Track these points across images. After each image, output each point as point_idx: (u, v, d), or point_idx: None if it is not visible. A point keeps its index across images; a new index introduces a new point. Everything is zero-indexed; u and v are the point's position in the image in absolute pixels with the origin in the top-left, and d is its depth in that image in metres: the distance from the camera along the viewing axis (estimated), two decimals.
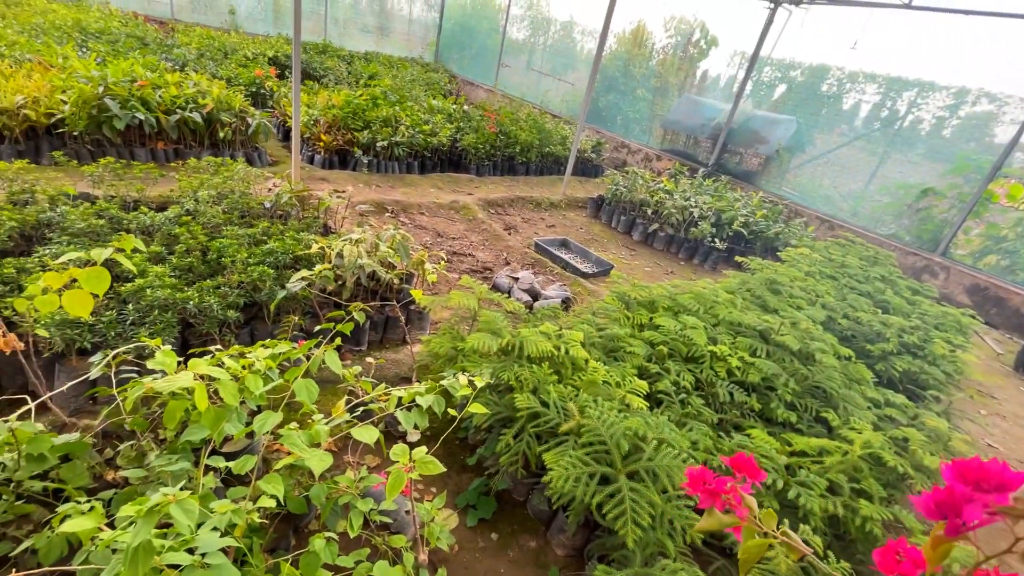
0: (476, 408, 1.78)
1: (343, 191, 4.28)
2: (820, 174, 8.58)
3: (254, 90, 7.76)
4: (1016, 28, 6.41)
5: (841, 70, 8.34)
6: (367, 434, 1.70)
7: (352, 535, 1.53)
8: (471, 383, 1.83)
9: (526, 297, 4.41)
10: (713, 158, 9.59)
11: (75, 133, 4.78)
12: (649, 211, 6.87)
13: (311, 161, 6.46)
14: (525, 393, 2.24)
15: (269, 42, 11.02)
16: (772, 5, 8.49)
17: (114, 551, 1.14)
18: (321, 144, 6.40)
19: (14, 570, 1.28)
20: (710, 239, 6.40)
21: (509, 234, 5.97)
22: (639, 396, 2.39)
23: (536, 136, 8.65)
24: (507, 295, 4.49)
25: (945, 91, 7.33)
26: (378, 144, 6.61)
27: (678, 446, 2.00)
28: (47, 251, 2.82)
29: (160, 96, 5.25)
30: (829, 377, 2.89)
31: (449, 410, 1.80)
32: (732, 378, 2.87)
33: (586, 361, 2.60)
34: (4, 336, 1.80)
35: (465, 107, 9.23)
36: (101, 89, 4.84)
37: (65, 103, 4.76)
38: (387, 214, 5.51)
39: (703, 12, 9.91)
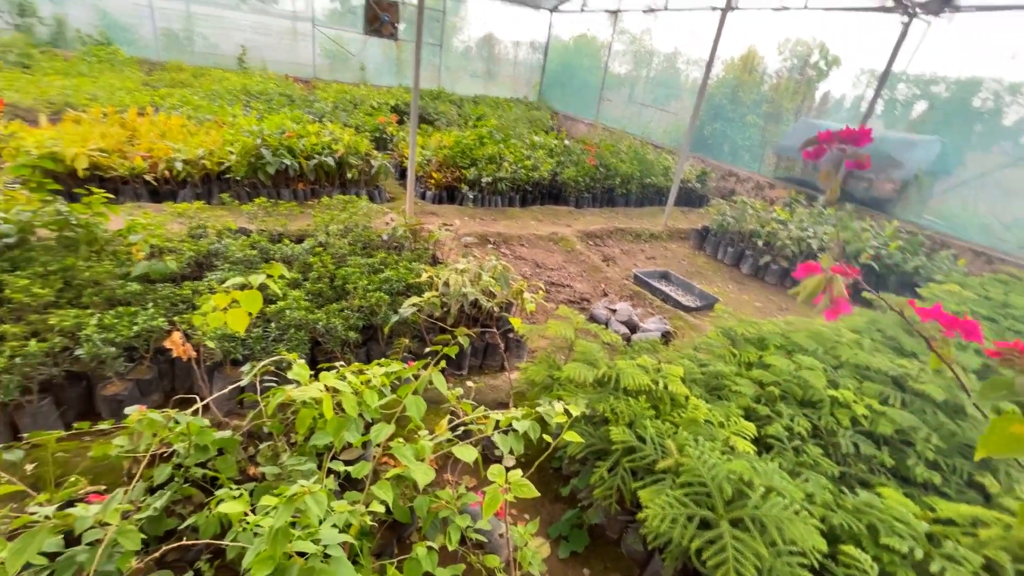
0: (571, 436, 1.80)
1: (451, 224, 4.59)
2: (974, 200, 7.47)
3: (377, 135, 8.67)
4: None
5: (998, 82, 7.30)
6: (467, 453, 1.80)
7: (450, 549, 1.61)
8: (566, 411, 1.86)
9: (624, 329, 4.34)
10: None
11: (237, 178, 5.70)
12: (760, 243, 6.46)
13: (423, 197, 7.02)
14: (621, 426, 2.21)
15: (392, 92, 12.29)
16: (906, 18, 7.74)
17: (256, 534, 1.33)
18: (432, 181, 6.94)
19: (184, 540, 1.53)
20: None
21: (607, 265, 5.94)
22: (745, 439, 2.24)
23: (637, 167, 8.60)
24: (604, 327, 4.46)
25: None
26: (483, 180, 7.01)
27: (790, 496, 1.84)
28: (214, 276, 3.38)
29: (302, 144, 6.08)
30: None
31: (545, 436, 1.84)
32: (857, 427, 2.58)
33: (686, 398, 2.50)
34: (184, 345, 2.19)
35: (566, 142, 9.48)
36: (259, 141, 5.74)
37: (232, 153, 5.71)
38: (489, 245, 5.79)
39: (823, 32, 9.31)
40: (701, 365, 2.90)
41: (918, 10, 7.58)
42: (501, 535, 2.17)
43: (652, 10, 12.02)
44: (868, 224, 6.81)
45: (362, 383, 1.97)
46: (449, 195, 7.09)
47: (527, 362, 3.19)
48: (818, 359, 2.98)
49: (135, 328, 2.73)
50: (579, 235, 6.62)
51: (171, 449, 1.83)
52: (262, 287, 2.15)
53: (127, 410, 1.73)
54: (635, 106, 13.21)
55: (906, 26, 7.79)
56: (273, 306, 3.09)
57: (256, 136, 5.78)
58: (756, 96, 10.56)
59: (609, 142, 10.09)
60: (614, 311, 4.60)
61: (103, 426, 1.89)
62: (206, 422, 1.77)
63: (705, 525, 1.82)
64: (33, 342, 2.51)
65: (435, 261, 4.57)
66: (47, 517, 1.37)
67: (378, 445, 1.73)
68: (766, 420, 2.54)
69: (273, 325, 3.02)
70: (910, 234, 6.58)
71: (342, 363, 2.18)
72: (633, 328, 4.41)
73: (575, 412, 1.83)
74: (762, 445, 2.47)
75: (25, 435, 1.81)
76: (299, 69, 13.47)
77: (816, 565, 1.85)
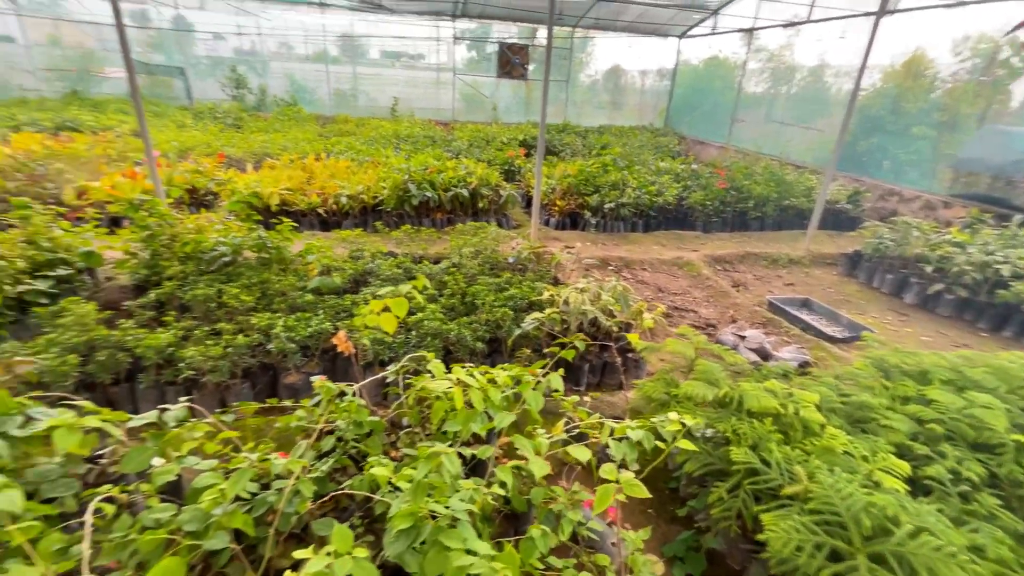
0: (685, 444, 1.80)
1: (572, 247, 4.77)
2: None
3: (506, 168, 9.30)
4: None
5: None
6: (581, 452, 1.90)
7: (562, 538, 1.71)
8: (681, 421, 1.86)
9: (754, 357, 4.08)
10: None
11: (388, 209, 6.55)
12: (930, 268, 5.60)
13: (547, 223, 7.33)
14: (743, 447, 2.12)
15: (520, 128, 13.09)
16: None
17: (398, 491, 1.58)
18: (556, 208, 7.24)
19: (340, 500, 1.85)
20: None
21: (737, 291, 5.62)
22: (895, 476, 2.00)
23: (773, 188, 8.04)
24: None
25: None
26: (606, 206, 7.12)
27: (947, 540, 1.61)
28: (368, 290, 3.95)
29: (441, 178, 6.80)
30: None
31: (658, 444, 1.87)
32: None
33: (822, 426, 2.31)
34: (346, 342, 2.62)
35: (693, 166, 9.21)
36: (406, 177, 6.56)
37: (384, 188, 6.59)
38: (610, 268, 5.84)
39: (1014, 22, 7.91)
40: (842, 395, 2.64)
41: None
42: (614, 544, 2.20)
43: (793, 24, 11.30)
44: None
45: (488, 382, 2.19)
46: (572, 221, 7.31)
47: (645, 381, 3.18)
48: (999, 398, 2.53)
49: (309, 329, 3.31)
50: (706, 260, 6.37)
51: (334, 425, 2.21)
52: (408, 297, 2.51)
53: (313, 379, 2.15)
54: (772, 125, 12.37)
55: None
56: (413, 317, 3.52)
57: (404, 173, 6.60)
58: (925, 104, 9.27)
59: (742, 164, 9.58)
60: (743, 337, 4.34)
61: (287, 403, 2.35)
62: (362, 401, 2.12)
63: (836, 558, 1.67)
64: (240, 336, 3.19)
65: (556, 282, 4.77)
66: (251, 463, 1.77)
67: (499, 434, 1.91)
68: (924, 461, 2.24)
69: (413, 333, 3.44)
70: None
71: (468, 364, 2.43)
72: (765, 356, 4.12)
73: (689, 422, 1.84)
74: (918, 488, 2.17)
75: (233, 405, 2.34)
76: (440, 114, 15.01)
77: None
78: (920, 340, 4.81)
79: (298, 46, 14.34)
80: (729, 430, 2.23)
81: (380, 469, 1.66)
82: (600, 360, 3.70)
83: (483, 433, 2.07)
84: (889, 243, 6.00)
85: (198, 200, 6.27)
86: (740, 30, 12.93)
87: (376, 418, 2.37)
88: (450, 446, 2.24)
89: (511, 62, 14.34)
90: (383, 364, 3.33)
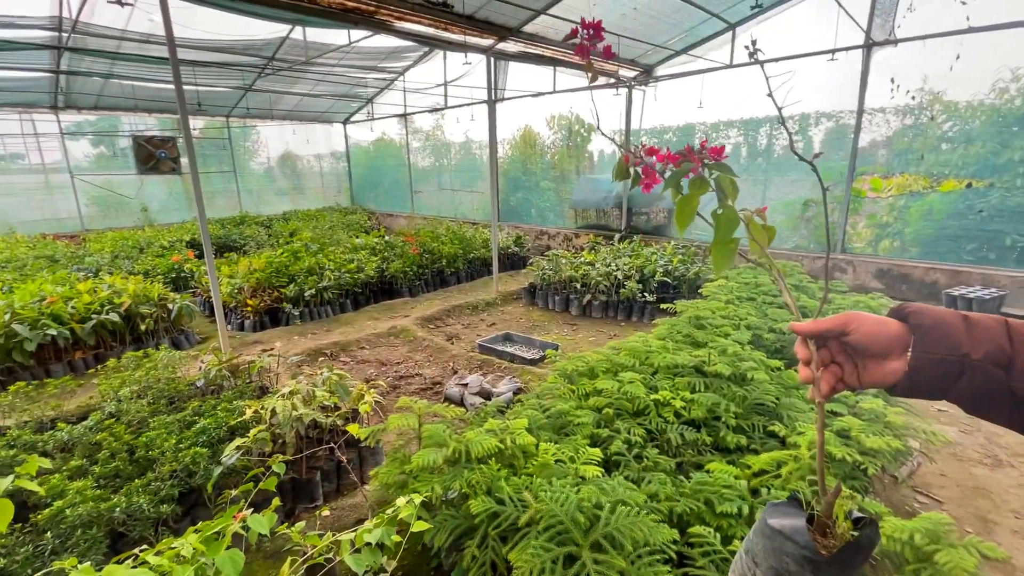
0: (419, 525, 1.74)
1: (271, 348, 4.28)
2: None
3: (175, 275, 7.85)
4: (818, 63, 7.74)
5: (703, 124, 9.58)
6: None
7: None
8: (411, 503, 1.80)
9: (479, 400, 4.40)
10: (623, 222, 10.40)
11: None
12: (579, 285, 7.23)
13: (241, 328, 6.44)
14: (480, 496, 2.20)
15: (185, 227, 11.37)
16: (627, 89, 9.83)
17: None
18: (249, 308, 6.45)
19: None
20: (640, 295, 6.75)
21: (452, 343, 6.05)
22: (594, 464, 2.40)
23: (459, 246, 9.12)
24: (461, 404, 4.47)
25: (790, 120, 8.53)
26: (306, 294, 6.73)
27: (633, 503, 2.00)
28: None
29: (72, 307, 5.22)
30: (765, 392, 3.03)
31: (394, 537, 1.75)
32: (680, 419, 2.95)
33: (536, 445, 2.61)
34: None
35: (387, 237, 9.68)
36: (8, 316, 4.77)
37: None
38: (323, 358, 5.49)
39: (576, 106, 11.25)
40: (544, 410, 3.07)
41: (633, 83, 9.69)
42: None
43: (436, 109, 13.33)
44: (655, 248, 8.13)
45: (173, 560, 1.67)
46: (272, 318, 6.63)
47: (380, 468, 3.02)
48: (637, 372, 3.37)
49: None
50: (419, 322, 6.67)
51: None
52: (16, 495, 1.75)
53: None
54: (446, 192, 14.19)
55: (629, 94, 9.88)
56: (47, 511, 2.48)
57: (3, 312, 4.80)
58: (543, 164, 12.17)
59: (428, 229, 10.59)
60: (466, 385, 4.65)
61: None
62: None
63: (573, 560, 1.87)
64: None
65: (263, 392, 4.17)
66: None
67: None
68: (608, 440, 2.77)
69: (49, 534, 2.41)
70: (685, 248, 8.01)
71: (146, 546, 1.82)
72: (487, 396, 4.50)
73: (419, 500, 1.79)
74: (611, 464, 2.67)
75: None
76: (61, 225, 11.79)
77: (674, 556, 2.02)
78: (588, 340, 6.11)
79: None
80: (464, 484, 2.28)
81: None
82: (333, 462, 3.36)
83: None
84: (549, 272, 7.51)
85: None
86: (395, 115, 14.52)
87: None
88: None
89: (155, 156, 12.42)
90: None
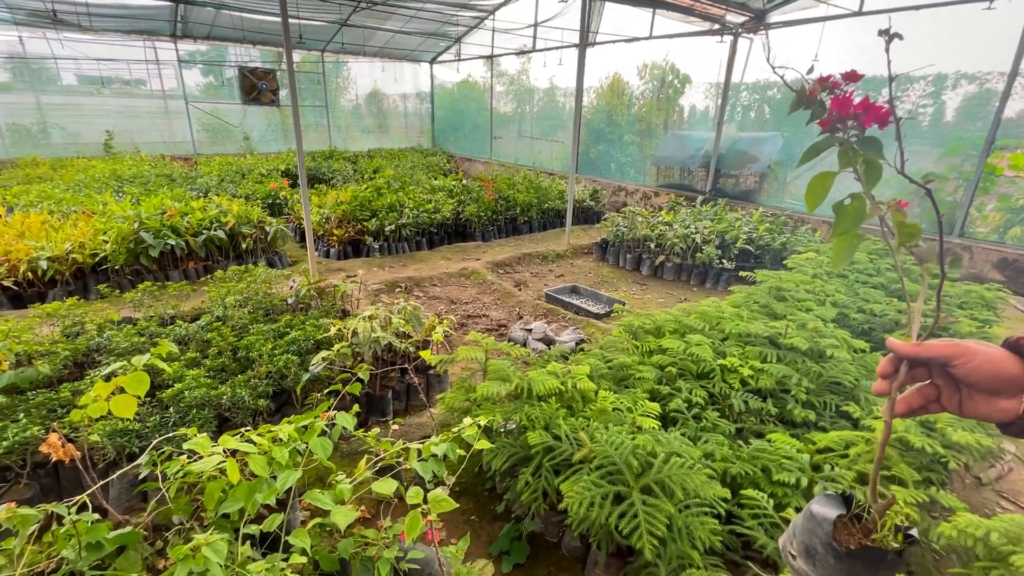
0: (482, 444, 1.88)
1: (354, 275, 4.59)
2: None
3: (271, 201, 8.48)
4: (970, 12, 6.64)
5: (810, 82, 8.63)
6: (385, 486, 1.82)
7: None
8: (476, 424, 1.94)
9: (541, 346, 4.52)
10: (709, 184, 9.82)
11: (116, 267, 5.32)
12: (653, 245, 7.03)
13: (327, 255, 6.92)
14: (537, 430, 2.32)
15: (281, 157, 12.10)
16: (732, 37, 9.00)
17: None
18: (334, 238, 6.89)
19: None
20: (717, 261, 6.47)
21: (519, 290, 6.17)
22: (651, 417, 2.44)
23: (534, 195, 9.08)
24: (524, 346, 4.62)
25: (922, 80, 7.49)
26: (386, 229, 7.06)
27: (688, 457, 2.04)
28: (97, 373, 3.13)
29: (187, 221, 5.83)
30: (844, 371, 2.88)
31: (458, 451, 1.91)
32: (746, 387, 2.89)
33: (596, 392, 2.68)
34: (64, 447, 2.02)
35: (464, 181, 9.81)
36: (136, 225, 5.43)
37: (106, 242, 5.34)
38: (399, 290, 5.81)
39: (671, 54, 10.51)
40: (607, 361, 3.11)
41: (740, 30, 8.85)
42: (442, 565, 2.17)
43: (523, 52, 12.96)
44: (740, 214, 7.66)
45: (272, 441, 1.94)
46: (355, 249, 7.05)
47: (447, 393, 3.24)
48: (706, 336, 3.30)
49: (3, 444, 2.46)
50: (489, 266, 6.83)
51: (58, 560, 1.67)
52: (153, 371, 2.08)
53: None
54: (525, 140, 13.99)
55: (734, 42, 9.05)
56: (170, 390, 2.92)
57: (133, 220, 5.46)
58: (629, 116, 11.62)
59: (505, 176, 10.59)
60: (530, 331, 4.78)
61: None
62: (96, 516, 1.65)
63: (621, 499, 1.95)
64: None
65: (345, 315, 4.52)
66: None
67: (289, 496, 1.70)
68: (668, 397, 2.78)
69: (172, 410, 2.85)
70: (774, 216, 7.48)
71: (248, 428, 2.11)
72: (550, 343, 4.60)
73: (483, 422, 1.92)
74: (668, 420, 2.69)
75: None
76: (177, 147, 12.94)
77: (724, 513, 2.05)
78: (656, 302, 5.99)
79: None
80: (524, 418, 2.41)
81: None
82: (403, 384, 3.64)
83: (274, 501, 1.82)
84: (623, 229, 7.34)
85: None
86: (482, 56, 14.29)
87: (127, 529, 1.89)
88: (236, 530, 1.92)
89: (257, 87, 13.16)
90: (134, 458, 2.68)
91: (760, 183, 9.33)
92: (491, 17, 12.19)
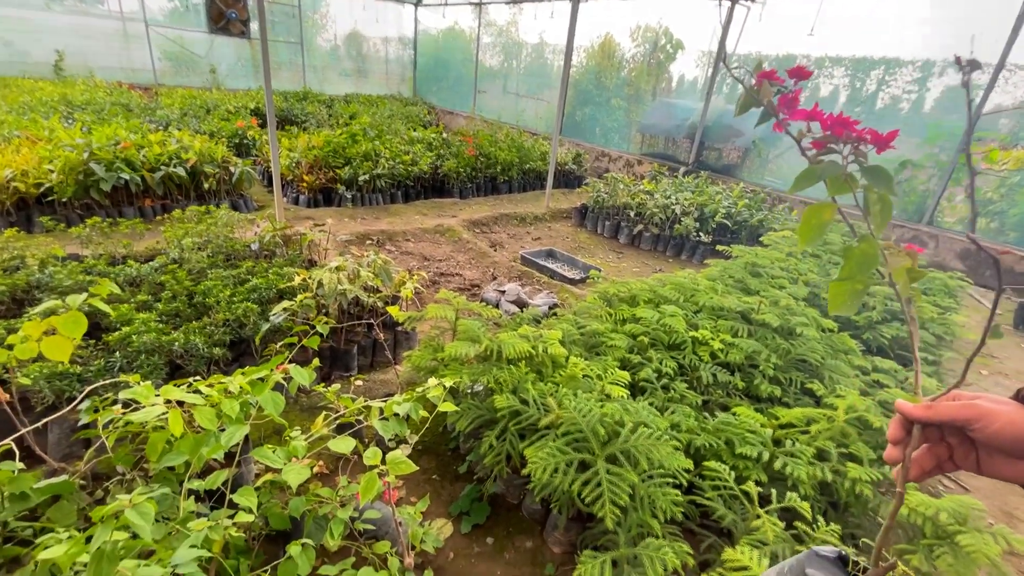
0: (446, 407, 1.81)
1: (323, 224, 4.38)
2: (800, 160, 8.65)
3: (237, 141, 7.99)
4: None
5: (807, 57, 8.51)
6: (343, 444, 1.74)
7: (332, 544, 1.55)
8: (441, 385, 1.87)
9: (514, 308, 4.45)
10: (692, 156, 9.73)
11: (64, 200, 4.94)
12: (632, 213, 6.95)
13: (296, 202, 6.61)
14: (505, 394, 2.27)
15: (250, 95, 11.38)
16: (730, 2, 8.72)
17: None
18: (304, 184, 6.56)
19: None
20: (695, 234, 6.45)
21: (495, 251, 6.05)
22: (620, 386, 2.41)
23: (515, 155, 8.82)
24: (496, 308, 4.54)
25: (911, 65, 7.46)
26: (360, 178, 6.76)
27: (655, 427, 2.02)
28: (35, 311, 2.90)
29: (144, 155, 5.43)
30: (811, 349, 2.90)
31: (421, 412, 1.84)
32: (716, 360, 2.89)
33: (566, 358, 2.63)
34: None
35: (444, 135, 9.44)
36: (86, 155, 5.02)
37: (52, 172, 4.93)
38: (370, 243, 5.61)
39: (666, 18, 10.17)
40: (580, 327, 3.06)
41: None
42: (399, 524, 2.14)
43: (515, 2, 12.34)
44: (720, 188, 7.63)
45: (223, 393, 1.82)
46: (326, 198, 6.75)
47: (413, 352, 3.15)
48: (680, 307, 3.28)
49: None
50: (465, 224, 6.66)
51: None
52: (85, 310, 1.91)
53: None
54: (510, 97, 13.52)
55: (731, 9, 8.78)
56: (117, 333, 2.74)
57: (82, 150, 5.04)
58: (618, 80, 11.29)
59: (487, 133, 10.23)
60: (503, 292, 4.70)
61: None
62: (20, 465, 1.52)
63: (585, 467, 1.93)
64: None
65: (311, 265, 4.33)
66: None
67: (239, 451, 1.61)
68: (639, 367, 2.76)
69: (118, 354, 2.68)
70: (753, 193, 7.48)
71: (199, 378, 1.99)
72: (523, 306, 4.54)
73: (449, 383, 1.85)
74: (637, 389, 2.68)
75: None
76: (136, 75, 11.99)
77: (685, 484, 2.06)
78: (632, 271, 5.97)
79: None
80: (492, 380, 2.35)
81: (56, 549, 1.21)
82: (370, 339, 3.53)
83: (222, 456, 1.73)
84: (604, 196, 7.22)
85: None
86: (470, 3, 13.55)
87: (62, 478, 1.77)
88: (181, 483, 1.82)
89: (225, 15, 12.20)
90: (73, 402, 2.52)
91: (743, 158, 9.29)
92: None
